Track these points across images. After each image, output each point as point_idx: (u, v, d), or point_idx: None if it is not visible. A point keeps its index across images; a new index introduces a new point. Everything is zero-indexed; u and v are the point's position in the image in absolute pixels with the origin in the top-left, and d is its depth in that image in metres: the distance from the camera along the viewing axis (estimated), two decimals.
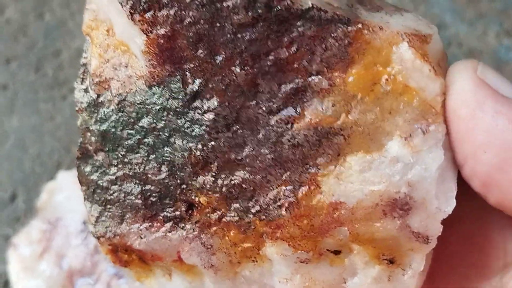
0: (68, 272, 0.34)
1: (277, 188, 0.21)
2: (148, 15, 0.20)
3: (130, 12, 0.20)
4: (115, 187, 0.23)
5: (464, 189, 0.20)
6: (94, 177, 0.23)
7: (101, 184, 0.23)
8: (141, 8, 0.20)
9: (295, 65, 0.20)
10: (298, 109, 0.20)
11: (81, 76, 0.23)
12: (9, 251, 0.37)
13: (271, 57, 0.20)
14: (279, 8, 0.20)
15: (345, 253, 0.21)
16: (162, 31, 0.20)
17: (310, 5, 0.20)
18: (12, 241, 0.37)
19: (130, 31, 0.21)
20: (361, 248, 0.21)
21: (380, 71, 0.20)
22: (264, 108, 0.21)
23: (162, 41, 0.20)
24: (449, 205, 0.20)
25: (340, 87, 0.20)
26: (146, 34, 0.20)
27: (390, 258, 0.21)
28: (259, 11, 0.20)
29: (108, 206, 0.23)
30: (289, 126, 0.20)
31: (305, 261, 0.21)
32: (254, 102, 0.21)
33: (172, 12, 0.20)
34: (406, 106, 0.20)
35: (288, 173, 0.21)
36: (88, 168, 0.23)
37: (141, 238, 0.22)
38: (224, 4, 0.20)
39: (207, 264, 0.22)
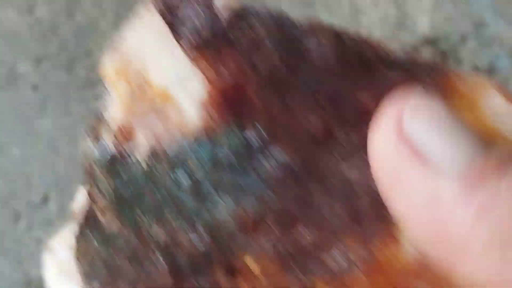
0: None
1: (347, 243, 0.18)
2: (212, 54, 0.17)
3: (189, 49, 0.18)
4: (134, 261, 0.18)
5: None
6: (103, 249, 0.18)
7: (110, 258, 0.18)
8: (204, 46, 0.17)
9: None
10: None
11: (96, 129, 0.19)
12: (44, 255, 0.37)
13: (350, 102, 0.18)
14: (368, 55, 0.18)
15: None
16: (227, 76, 0.17)
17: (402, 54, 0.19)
18: (48, 245, 0.36)
19: (180, 75, 0.18)
20: None
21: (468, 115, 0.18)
22: (338, 158, 0.18)
23: (226, 88, 0.17)
24: None
25: None
26: (207, 78, 0.17)
27: None
28: (348, 58, 0.18)
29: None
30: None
31: None
32: (327, 152, 0.18)
33: (243, 55, 0.17)
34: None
35: (362, 226, 0.18)
36: (96, 238, 0.19)
37: None
38: (304, 46, 0.18)
39: None
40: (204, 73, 0.17)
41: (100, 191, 0.19)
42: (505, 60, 0.46)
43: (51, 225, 0.43)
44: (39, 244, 0.42)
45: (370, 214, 0.17)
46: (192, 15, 0.18)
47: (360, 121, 0.17)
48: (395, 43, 0.47)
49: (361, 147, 0.17)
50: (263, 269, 0.17)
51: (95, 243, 0.19)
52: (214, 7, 0.18)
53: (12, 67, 0.48)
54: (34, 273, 0.41)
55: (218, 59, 0.17)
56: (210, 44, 0.17)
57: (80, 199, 0.36)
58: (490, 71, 0.46)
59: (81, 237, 0.19)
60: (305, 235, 0.17)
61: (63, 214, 0.43)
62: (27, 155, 0.45)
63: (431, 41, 0.48)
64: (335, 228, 0.18)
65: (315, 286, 0.17)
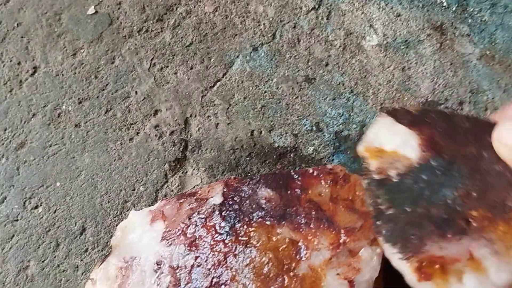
0: None
1: None
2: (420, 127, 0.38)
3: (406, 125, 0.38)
4: (414, 214, 0.35)
5: None
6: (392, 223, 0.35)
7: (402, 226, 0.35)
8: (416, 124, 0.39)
9: None
10: None
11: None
12: (87, 286, 0.41)
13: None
14: None
15: None
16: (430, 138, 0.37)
17: None
18: (91, 276, 0.41)
19: (404, 144, 0.37)
20: None
21: None
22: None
23: (430, 137, 0.37)
24: None
25: None
26: (419, 136, 0.37)
27: None
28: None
29: (409, 232, 0.34)
30: None
31: None
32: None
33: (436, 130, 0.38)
34: None
35: None
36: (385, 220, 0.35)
37: (441, 248, 0.33)
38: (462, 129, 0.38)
39: (491, 252, 0.33)
40: (419, 136, 0.36)
41: (376, 196, 0.37)
42: None
43: (87, 254, 0.47)
44: (76, 271, 0.46)
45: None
46: None
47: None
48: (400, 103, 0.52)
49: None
50: (480, 214, 0.34)
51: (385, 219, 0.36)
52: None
53: (56, 106, 0.52)
54: None
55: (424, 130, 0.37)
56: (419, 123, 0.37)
57: (117, 235, 0.41)
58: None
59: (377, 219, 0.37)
60: (495, 193, 0.34)
61: (98, 244, 0.47)
62: (68, 188, 0.49)
63: (432, 104, 0.52)
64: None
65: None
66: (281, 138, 0.51)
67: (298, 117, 0.52)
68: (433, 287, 0.33)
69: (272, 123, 0.52)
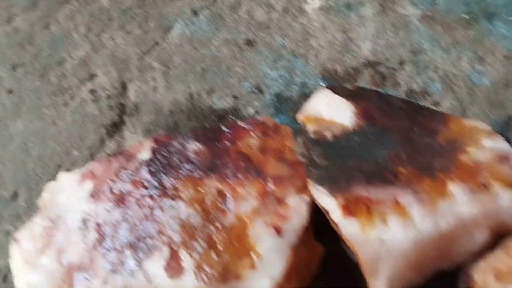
0: (67, 267, 0.37)
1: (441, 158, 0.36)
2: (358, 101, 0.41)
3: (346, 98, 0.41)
4: (345, 165, 0.36)
5: None
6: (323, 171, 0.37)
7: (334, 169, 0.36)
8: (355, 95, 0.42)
9: None
10: None
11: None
12: (11, 246, 0.39)
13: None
14: None
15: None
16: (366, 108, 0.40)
17: None
18: (15, 237, 0.39)
19: (336, 110, 0.40)
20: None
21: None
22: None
23: (366, 109, 0.40)
24: None
25: None
26: (355, 107, 0.40)
27: None
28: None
29: (339, 176, 0.35)
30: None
31: (477, 190, 0.34)
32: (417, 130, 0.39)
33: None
34: None
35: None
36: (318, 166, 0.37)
37: (368, 191, 0.34)
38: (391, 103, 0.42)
39: (416, 200, 0.34)
40: (355, 107, 0.40)
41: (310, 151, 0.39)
42: (438, 85, 0.51)
43: (19, 220, 0.45)
44: (7, 237, 0.45)
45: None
46: None
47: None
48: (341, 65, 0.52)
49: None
50: (408, 171, 0.35)
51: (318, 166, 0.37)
52: None
53: None
54: (2, 263, 0.43)
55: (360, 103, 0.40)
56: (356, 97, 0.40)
57: (45, 196, 0.40)
58: (424, 94, 0.50)
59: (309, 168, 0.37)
60: (424, 155, 0.36)
61: (30, 210, 0.46)
62: (0, 155, 0.48)
63: (372, 65, 0.52)
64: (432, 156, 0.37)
65: (436, 174, 0.35)
66: (221, 100, 0.50)
67: (238, 79, 0.51)
68: (357, 225, 0.33)
69: (212, 86, 0.51)
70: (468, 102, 0.48)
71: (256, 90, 0.51)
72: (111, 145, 0.48)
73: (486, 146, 0.37)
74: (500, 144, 0.37)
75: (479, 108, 0.47)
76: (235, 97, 0.50)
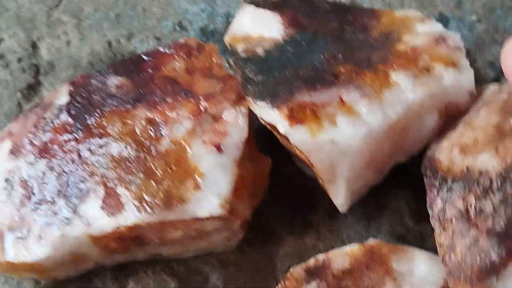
0: None
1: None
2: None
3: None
4: (283, 76, 0.34)
5: None
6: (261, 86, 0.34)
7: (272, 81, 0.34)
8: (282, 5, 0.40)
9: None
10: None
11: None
12: None
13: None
14: None
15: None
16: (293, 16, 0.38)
17: None
18: None
19: (266, 26, 0.38)
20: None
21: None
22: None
23: (293, 17, 0.38)
24: None
25: None
26: (282, 17, 0.38)
27: None
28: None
29: (279, 88, 0.33)
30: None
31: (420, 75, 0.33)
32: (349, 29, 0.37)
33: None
34: None
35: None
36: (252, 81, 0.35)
37: (311, 96, 0.33)
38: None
39: (361, 95, 0.32)
40: (282, 16, 0.38)
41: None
42: None
43: None
44: None
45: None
46: None
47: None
48: None
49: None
50: (347, 69, 0.34)
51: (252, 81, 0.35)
52: None
53: None
54: None
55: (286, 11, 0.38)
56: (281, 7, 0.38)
57: None
58: (352, 3, 0.49)
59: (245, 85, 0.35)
60: (360, 53, 0.35)
61: None
62: None
63: None
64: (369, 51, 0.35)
65: (377, 67, 0.34)
66: (142, 43, 0.47)
67: (158, 20, 0.48)
68: (306, 131, 0.31)
69: (130, 30, 0.48)
70: (398, 5, 0.47)
71: (178, 28, 0.48)
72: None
73: (421, 32, 0.36)
74: (434, 27, 0.36)
75: (409, 9, 0.46)
76: (157, 38, 0.47)
